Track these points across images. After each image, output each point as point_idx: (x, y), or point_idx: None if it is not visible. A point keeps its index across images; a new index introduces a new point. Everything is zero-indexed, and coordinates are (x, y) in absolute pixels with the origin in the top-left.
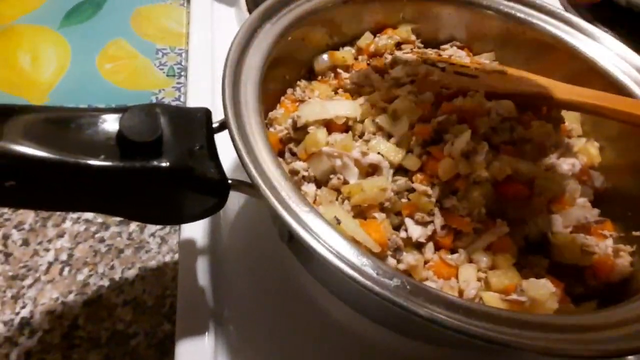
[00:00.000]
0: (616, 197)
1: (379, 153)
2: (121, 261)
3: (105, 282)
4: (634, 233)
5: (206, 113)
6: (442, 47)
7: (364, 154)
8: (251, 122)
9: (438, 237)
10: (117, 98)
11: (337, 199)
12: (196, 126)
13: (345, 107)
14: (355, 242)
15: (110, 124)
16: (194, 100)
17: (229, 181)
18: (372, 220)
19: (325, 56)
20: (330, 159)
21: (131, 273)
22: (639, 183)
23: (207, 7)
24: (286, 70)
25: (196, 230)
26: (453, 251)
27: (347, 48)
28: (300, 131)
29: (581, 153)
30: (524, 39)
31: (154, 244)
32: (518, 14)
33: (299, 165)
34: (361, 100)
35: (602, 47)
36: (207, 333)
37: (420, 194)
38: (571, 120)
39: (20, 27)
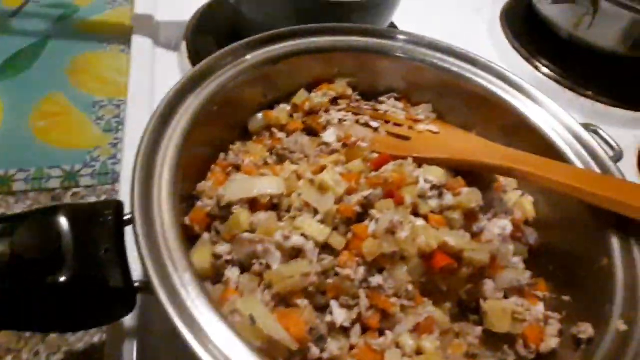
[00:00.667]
0: (549, 254)
1: (302, 235)
2: (47, 346)
3: None
4: (564, 297)
5: (116, 208)
6: (380, 99)
7: (286, 237)
8: (163, 214)
9: (364, 318)
10: (51, 159)
11: (259, 286)
12: (104, 226)
13: (270, 185)
14: (271, 340)
15: (3, 239)
16: (130, 156)
17: (136, 284)
18: (293, 311)
19: (259, 115)
20: (251, 245)
21: (56, 358)
22: (569, 239)
23: (148, 52)
24: (217, 133)
25: None
26: (381, 332)
27: (282, 105)
28: (225, 209)
29: (516, 208)
30: (460, 91)
31: None
32: (452, 68)
33: (221, 249)
34: (287, 173)
35: (533, 104)
36: None
37: (343, 278)
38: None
39: None
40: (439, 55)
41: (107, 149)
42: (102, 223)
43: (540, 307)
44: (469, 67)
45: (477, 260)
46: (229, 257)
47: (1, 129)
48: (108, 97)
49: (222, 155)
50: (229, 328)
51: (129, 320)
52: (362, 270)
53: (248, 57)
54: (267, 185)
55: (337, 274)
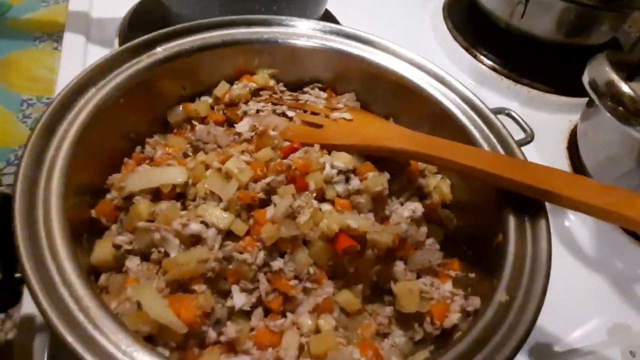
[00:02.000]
0: (463, 235)
1: (202, 222)
2: None
3: None
4: (470, 275)
5: (2, 199)
6: (305, 89)
7: (184, 225)
8: (51, 208)
9: (266, 301)
10: None
11: (157, 274)
12: None
13: (172, 174)
14: (162, 326)
15: None
16: None
17: (17, 275)
18: (187, 297)
19: (179, 108)
20: (149, 233)
21: None
22: (478, 220)
23: (80, 49)
24: (130, 126)
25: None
26: (284, 315)
27: (204, 97)
28: (128, 200)
29: (434, 192)
30: (383, 82)
31: None
32: (374, 59)
33: (120, 239)
34: (192, 163)
35: (450, 92)
36: None
37: (241, 263)
38: None
39: None
40: (360, 45)
41: None
42: None
43: (448, 285)
44: (390, 58)
45: (381, 242)
46: (129, 247)
47: None
48: (37, 95)
49: (138, 148)
50: (108, 316)
51: (39, 317)
52: (262, 254)
53: (159, 49)
54: (169, 175)
55: (237, 260)
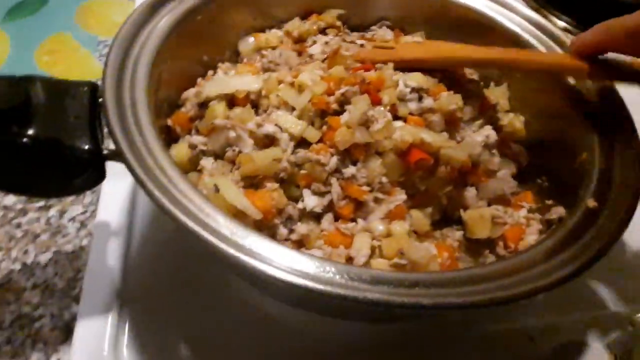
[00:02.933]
0: (538, 171)
1: (276, 125)
2: (36, 245)
3: (17, 266)
4: (547, 202)
5: (92, 87)
6: (372, 27)
7: (259, 125)
8: (136, 101)
9: (337, 207)
10: None
11: (231, 171)
12: (77, 98)
13: (247, 81)
14: (237, 212)
15: None
16: None
17: (105, 151)
18: (261, 191)
19: (250, 38)
20: (224, 131)
21: (45, 257)
22: (556, 152)
23: None
24: (204, 50)
25: (113, 211)
26: (354, 221)
27: (274, 31)
28: (204, 108)
29: (506, 128)
30: (452, 18)
31: (73, 229)
32: None
33: (196, 139)
34: (266, 75)
35: (526, 23)
36: (110, 313)
37: (314, 164)
38: (498, 96)
39: None
40: None
41: None
42: (75, 96)
43: (522, 212)
44: None
45: (454, 159)
46: (204, 147)
47: (6, 62)
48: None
49: (210, 72)
50: (194, 190)
51: (115, 223)
52: (335, 159)
53: None
54: (245, 82)
55: (310, 160)
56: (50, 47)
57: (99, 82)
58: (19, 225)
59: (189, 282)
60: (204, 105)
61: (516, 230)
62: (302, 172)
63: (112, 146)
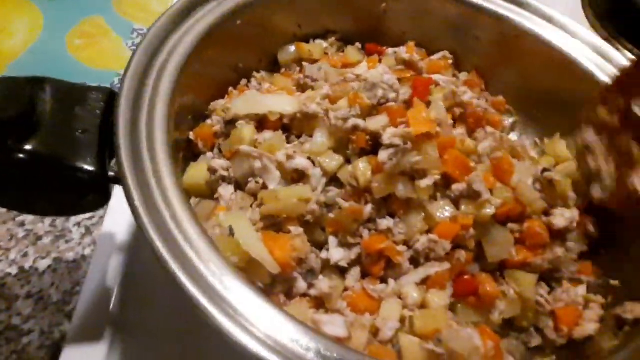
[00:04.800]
0: (604, 240)
1: (309, 158)
2: (37, 249)
3: (14, 270)
4: (611, 282)
5: (108, 94)
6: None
7: (290, 157)
8: (155, 116)
9: (365, 263)
10: (79, 75)
11: (251, 206)
12: (89, 107)
13: (282, 102)
14: (250, 260)
15: None
16: None
17: (110, 174)
18: (283, 235)
19: (292, 47)
20: (249, 160)
21: (44, 263)
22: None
23: None
24: (239, 57)
25: (120, 223)
26: (383, 281)
27: (319, 41)
28: (231, 125)
29: None
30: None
31: (77, 234)
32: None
33: (217, 163)
34: (304, 96)
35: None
36: (101, 341)
37: (343, 212)
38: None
39: None
40: None
41: None
42: (87, 105)
43: (581, 289)
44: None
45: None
46: (224, 173)
47: (37, 42)
48: (148, 26)
49: (244, 81)
50: (203, 236)
51: (120, 235)
52: (369, 208)
53: None
54: (279, 102)
55: (339, 207)
56: (82, 29)
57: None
58: (22, 224)
59: (188, 317)
60: (231, 122)
61: (572, 311)
62: (331, 215)
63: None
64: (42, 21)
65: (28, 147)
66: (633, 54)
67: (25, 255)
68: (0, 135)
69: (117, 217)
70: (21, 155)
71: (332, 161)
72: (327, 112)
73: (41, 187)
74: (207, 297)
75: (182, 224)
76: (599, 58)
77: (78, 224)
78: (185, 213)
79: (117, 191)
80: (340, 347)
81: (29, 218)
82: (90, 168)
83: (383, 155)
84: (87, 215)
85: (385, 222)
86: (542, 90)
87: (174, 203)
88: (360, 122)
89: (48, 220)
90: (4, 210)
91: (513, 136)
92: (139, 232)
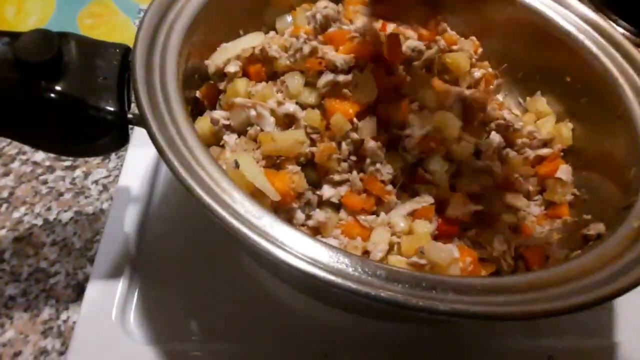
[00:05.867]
0: (579, 182)
1: (297, 103)
2: (59, 203)
3: (39, 222)
4: (585, 216)
5: (124, 50)
6: None
7: (280, 103)
8: (166, 69)
9: (349, 202)
10: None
11: (254, 149)
12: (108, 59)
13: (249, 40)
14: (255, 191)
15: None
16: None
17: (129, 115)
18: (282, 171)
19: (289, 17)
20: (244, 109)
21: (66, 215)
22: (604, 169)
23: None
24: (240, 24)
25: (135, 178)
26: (374, 214)
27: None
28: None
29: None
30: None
31: (95, 191)
32: None
33: (218, 113)
34: (272, 34)
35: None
36: (121, 279)
37: (323, 151)
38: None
39: None
40: None
41: None
42: (107, 57)
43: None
44: None
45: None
46: (226, 122)
47: (49, 23)
48: None
49: None
50: (214, 163)
51: (136, 189)
52: (344, 145)
53: None
54: (247, 41)
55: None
56: (92, 10)
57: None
58: (45, 182)
59: (201, 257)
60: (222, 77)
61: (538, 250)
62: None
63: (137, 111)
64: (55, 3)
65: (58, 87)
66: (619, 25)
67: (49, 209)
68: (34, 76)
69: (131, 173)
70: (52, 95)
71: (310, 97)
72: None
73: (67, 126)
74: (238, 221)
75: (197, 157)
76: (580, 21)
77: (96, 182)
78: (199, 147)
79: (130, 151)
80: (381, 264)
81: (51, 177)
82: (111, 108)
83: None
84: (104, 174)
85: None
86: (525, 55)
87: (188, 139)
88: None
89: (68, 179)
90: (28, 170)
91: (499, 98)
92: (153, 183)
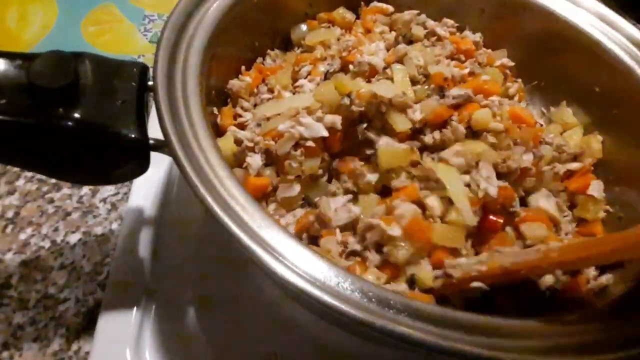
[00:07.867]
0: (612, 199)
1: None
2: (66, 224)
3: (46, 244)
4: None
5: (141, 68)
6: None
7: None
8: (188, 89)
9: None
10: None
11: None
12: (125, 80)
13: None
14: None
15: (20, 70)
16: None
17: (151, 141)
18: None
19: (303, 26)
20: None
21: (74, 237)
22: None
23: None
24: (256, 36)
25: (146, 198)
26: None
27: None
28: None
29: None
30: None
31: (104, 210)
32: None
33: (243, 134)
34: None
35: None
36: (135, 307)
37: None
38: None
39: None
40: None
41: (151, 57)
42: (124, 77)
43: None
44: None
45: None
46: (250, 144)
47: (52, 30)
48: (159, 12)
49: (259, 59)
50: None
51: (149, 209)
52: None
53: None
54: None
55: None
56: (96, 17)
57: (142, 60)
58: (51, 201)
59: (220, 288)
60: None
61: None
62: None
63: (156, 134)
64: (57, 10)
65: (76, 114)
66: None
67: (56, 229)
68: (51, 103)
69: (141, 193)
70: (69, 123)
71: None
72: None
73: (85, 155)
74: (265, 251)
75: (223, 180)
76: (605, 26)
77: (104, 200)
78: (225, 172)
79: None
80: (381, 289)
81: (57, 195)
82: (133, 135)
83: None
84: (112, 191)
85: None
86: (548, 61)
87: (215, 167)
88: None
89: (75, 197)
90: (33, 188)
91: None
92: (165, 204)
